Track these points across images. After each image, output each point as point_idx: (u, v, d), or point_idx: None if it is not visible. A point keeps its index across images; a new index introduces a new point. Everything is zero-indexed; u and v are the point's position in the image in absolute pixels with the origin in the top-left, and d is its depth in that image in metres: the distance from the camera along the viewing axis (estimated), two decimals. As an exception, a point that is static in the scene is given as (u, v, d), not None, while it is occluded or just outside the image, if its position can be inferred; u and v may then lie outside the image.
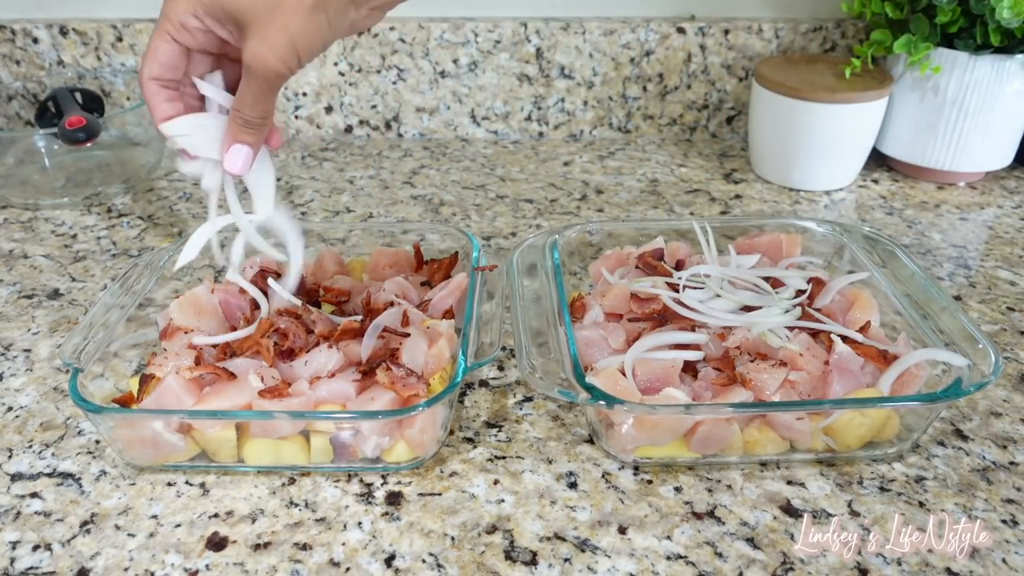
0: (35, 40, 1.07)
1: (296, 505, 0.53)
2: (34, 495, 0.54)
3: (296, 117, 1.12)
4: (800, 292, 0.64)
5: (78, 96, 0.99)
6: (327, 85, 1.10)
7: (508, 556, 0.49)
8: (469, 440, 0.58)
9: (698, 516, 0.52)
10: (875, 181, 1.01)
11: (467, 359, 0.55)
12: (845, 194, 0.98)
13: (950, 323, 0.59)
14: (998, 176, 1.01)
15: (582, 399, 0.52)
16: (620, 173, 1.03)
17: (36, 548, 0.50)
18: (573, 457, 0.57)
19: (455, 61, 1.08)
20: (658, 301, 0.62)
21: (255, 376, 0.55)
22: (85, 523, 0.52)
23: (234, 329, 0.61)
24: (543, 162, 1.06)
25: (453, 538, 0.51)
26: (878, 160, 1.04)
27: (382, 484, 0.55)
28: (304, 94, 1.10)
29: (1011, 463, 0.56)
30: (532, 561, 0.49)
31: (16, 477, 0.55)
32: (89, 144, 0.88)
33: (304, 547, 0.50)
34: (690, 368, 0.58)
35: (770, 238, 0.71)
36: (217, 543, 0.50)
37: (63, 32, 1.06)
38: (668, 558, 0.49)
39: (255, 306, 0.63)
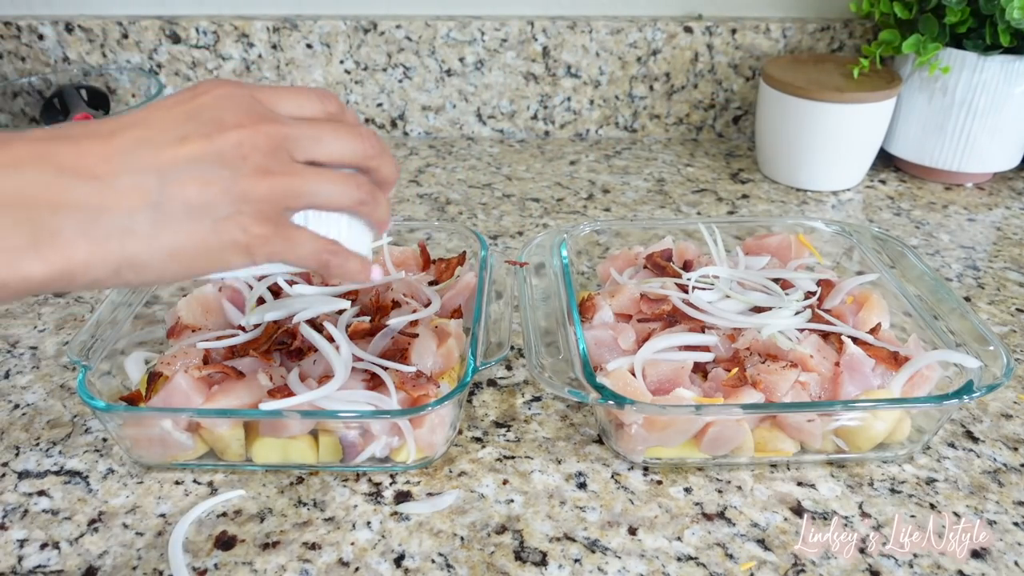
0: (40, 37, 1.07)
1: (304, 504, 0.53)
2: (41, 493, 0.54)
3: (301, 115, 1.12)
4: (810, 294, 0.64)
5: (83, 93, 0.98)
6: (332, 83, 1.10)
7: (518, 556, 0.49)
8: (478, 440, 0.58)
9: (708, 517, 0.52)
10: (882, 181, 1.00)
11: (476, 359, 0.55)
12: (852, 194, 0.97)
13: (960, 324, 0.59)
14: (1006, 177, 1.01)
15: (592, 399, 0.52)
16: (626, 172, 1.03)
17: (44, 546, 0.50)
18: (582, 457, 0.57)
19: (461, 59, 1.08)
20: (668, 302, 0.62)
21: (264, 375, 0.54)
22: (93, 521, 0.52)
23: (242, 328, 0.61)
24: (549, 161, 1.06)
25: (462, 538, 0.50)
26: (885, 160, 1.03)
27: (391, 484, 0.54)
28: (310, 92, 1.10)
29: (1022, 465, 0.56)
30: (542, 562, 0.49)
31: (23, 475, 0.55)
32: (95, 141, 0.88)
33: (313, 546, 0.50)
34: (700, 369, 0.58)
35: (780, 239, 0.71)
36: (225, 542, 0.50)
37: (68, 29, 1.06)
38: (679, 559, 0.49)
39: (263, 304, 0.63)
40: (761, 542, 0.50)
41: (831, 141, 0.93)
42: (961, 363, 0.55)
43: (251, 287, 0.64)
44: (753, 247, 0.71)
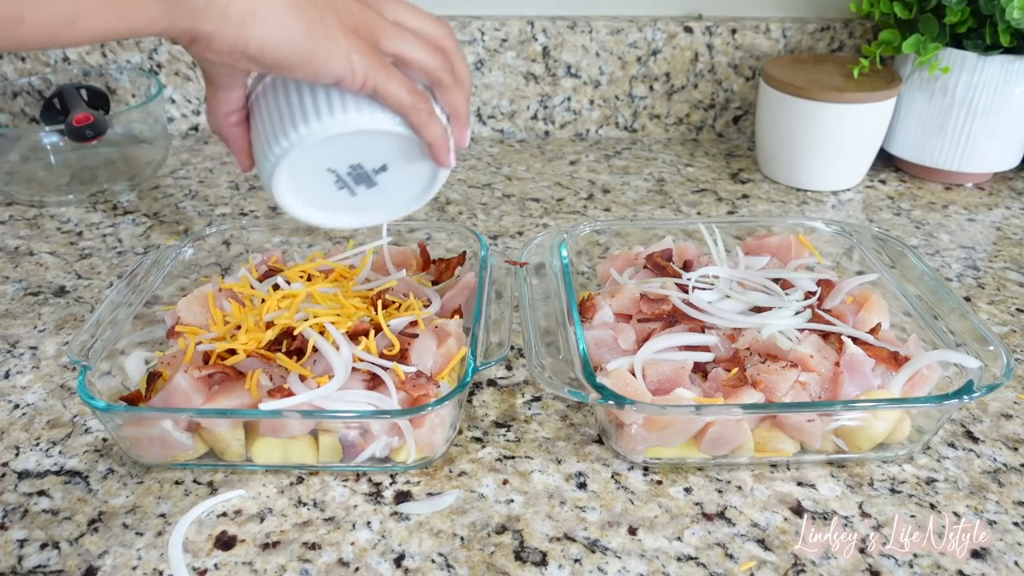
0: (41, 37, 1.06)
1: (304, 504, 0.53)
2: (41, 493, 0.54)
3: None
4: (810, 294, 0.64)
5: (83, 93, 0.98)
6: (333, 83, 1.10)
7: (518, 556, 0.49)
8: (478, 440, 0.58)
9: (708, 517, 0.52)
10: (882, 181, 1.00)
11: (476, 359, 0.55)
12: (852, 194, 0.98)
13: (960, 324, 0.59)
14: (1006, 177, 1.01)
15: (592, 399, 0.52)
16: (626, 172, 1.03)
17: (44, 546, 0.50)
18: (582, 457, 0.57)
19: (461, 59, 1.08)
20: (668, 302, 0.62)
21: (264, 375, 0.54)
22: (93, 521, 0.52)
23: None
24: (549, 161, 1.06)
25: (462, 538, 0.50)
26: (885, 160, 1.03)
27: (391, 484, 0.54)
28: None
29: (1022, 465, 0.56)
30: (542, 562, 0.49)
31: (23, 475, 0.55)
32: (96, 141, 0.88)
33: (313, 546, 0.50)
34: (700, 369, 0.58)
35: (780, 239, 0.71)
36: (226, 542, 0.50)
37: (69, 29, 1.06)
38: (679, 559, 0.49)
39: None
40: (761, 542, 0.50)
41: (831, 141, 0.93)
42: (961, 363, 0.55)
43: (252, 287, 0.64)
44: (753, 247, 0.71)
